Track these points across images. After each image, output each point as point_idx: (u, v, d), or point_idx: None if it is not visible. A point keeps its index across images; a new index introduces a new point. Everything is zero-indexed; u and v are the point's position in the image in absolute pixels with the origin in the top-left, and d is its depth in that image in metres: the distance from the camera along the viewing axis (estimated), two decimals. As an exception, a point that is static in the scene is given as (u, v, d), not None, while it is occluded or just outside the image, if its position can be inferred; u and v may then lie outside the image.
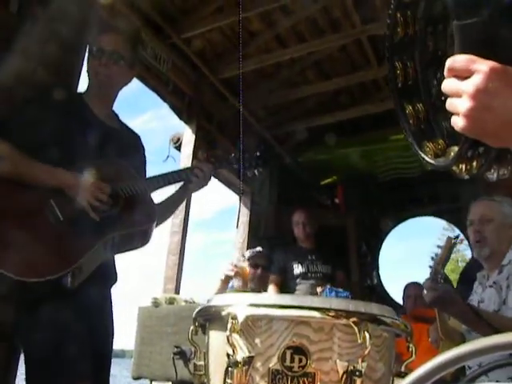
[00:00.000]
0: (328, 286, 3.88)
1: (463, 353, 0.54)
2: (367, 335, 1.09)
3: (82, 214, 1.95)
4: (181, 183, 2.35)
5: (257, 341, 1.12)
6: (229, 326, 1.11)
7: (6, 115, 2.04)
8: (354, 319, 1.11)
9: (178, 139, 4.31)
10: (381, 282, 6.18)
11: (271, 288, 4.31)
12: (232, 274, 3.86)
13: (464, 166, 0.90)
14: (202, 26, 3.99)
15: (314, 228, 4.61)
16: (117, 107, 2.40)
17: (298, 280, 4.48)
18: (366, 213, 6.19)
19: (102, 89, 2.24)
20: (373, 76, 4.83)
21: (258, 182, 5.40)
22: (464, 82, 0.79)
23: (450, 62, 0.81)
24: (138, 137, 2.45)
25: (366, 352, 1.09)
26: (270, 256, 4.46)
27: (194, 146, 4.16)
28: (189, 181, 2.30)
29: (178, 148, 4.30)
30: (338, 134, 5.25)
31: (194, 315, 1.29)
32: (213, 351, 1.24)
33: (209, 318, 1.28)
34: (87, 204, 1.94)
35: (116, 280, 2.21)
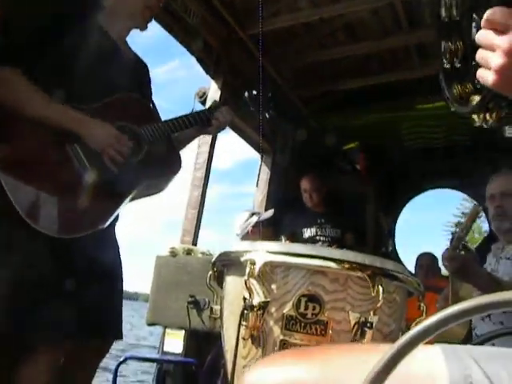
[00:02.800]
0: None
1: (471, 306, 0.56)
2: (380, 289, 1.12)
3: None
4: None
5: (273, 287, 1.16)
6: (247, 270, 1.14)
7: (19, 43, 1.89)
8: (369, 272, 1.14)
9: (204, 93, 4.31)
10: (395, 249, 6.20)
11: None
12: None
13: (483, 115, 0.90)
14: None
15: (323, 194, 4.62)
16: (144, 52, 2.32)
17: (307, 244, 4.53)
18: (387, 180, 6.17)
19: (130, 8, 2.16)
20: (404, 42, 4.74)
21: (281, 142, 5.40)
22: (500, 36, 0.78)
23: (488, 14, 0.79)
24: (147, 67, 2.36)
25: (378, 305, 1.12)
26: (281, 220, 4.50)
27: (219, 101, 4.16)
28: (208, 122, 2.26)
29: (203, 102, 4.30)
30: (364, 99, 5.20)
31: (213, 260, 1.33)
32: (229, 295, 1.28)
33: (227, 264, 1.32)
34: (107, 157, 1.90)
35: (118, 219, 2.11)
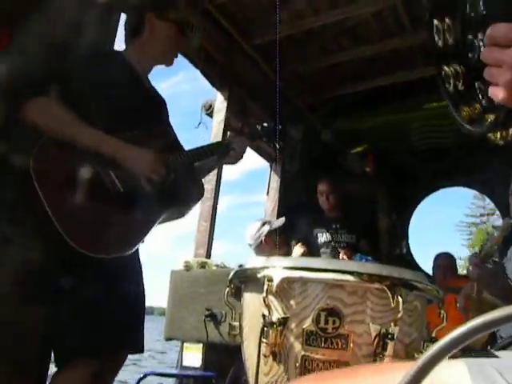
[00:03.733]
0: (358, 255, 3.90)
1: (498, 317, 0.55)
2: (400, 300, 1.11)
3: (142, 187, 1.97)
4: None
5: (292, 302, 1.16)
6: (265, 287, 1.14)
7: (57, 75, 1.99)
8: (387, 283, 1.13)
9: (210, 106, 4.33)
10: (410, 251, 6.18)
11: (296, 255, 4.34)
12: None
13: (500, 134, 0.90)
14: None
15: (339, 197, 4.62)
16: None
17: (322, 249, 4.52)
18: (397, 182, 6.15)
19: (161, 47, 2.26)
20: (408, 42, 4.73)
21: (289, 149, 5.40)
22: (505, 51, 0.77)
23: (490, 31, 0.79)
24: (165, 101, 2.43)
25: (399, 316, 1.11)
26: (294, 226, 4.50)
27: (226, 112, 4.17)
28: (226, 154, 2.34)
29: (210, 114, 4.32)
30: (371, 102, 5.20)
31: (230, 277, 1.33)
32: (248, 312, 1.28)
33: (244, 280, 1.32)
34: (145, 178, 1.96)
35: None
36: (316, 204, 4.81)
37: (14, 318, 1.82)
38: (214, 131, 4.17)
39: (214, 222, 3.97)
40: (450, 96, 1.00)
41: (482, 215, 38.36)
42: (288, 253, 4.29)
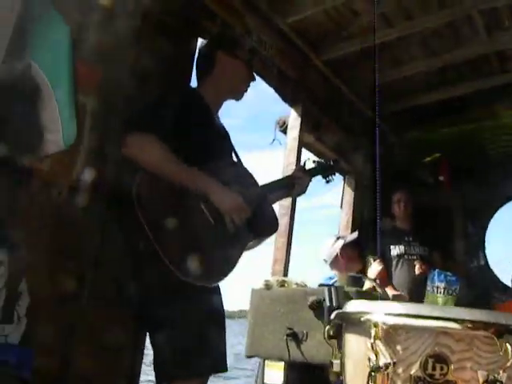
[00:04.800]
0: (436, 270, 3.85)
1: None
2: (509, 347, 1.12)
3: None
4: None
5: (398, 348, 1.19)
6: (372, 333, 1.17)
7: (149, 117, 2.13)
8: (494, 330, 1.14)
9: (284, 123, 4.38)
10: (487, 262, 6.00)
11: (373, 272, 4.31)
12: None
13: None
14: (306, 9, 3.99)
15: (413, 208, 4.60)
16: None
17: (394, 262, 4.49)
18: (472, 191, 5.99)
19: (235, 84, 2.42)
20: (481, 51, 4.63)
21: (361, 161, 5.38)
22: None
23: None
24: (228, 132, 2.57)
25: (508, 364, 1.12)
26: (367, 240, 4.49)
27: (300, 129, 4.22)
28: (291, 188, 2.53)
29: (284, 131, 4.37)
30: (445, 112, 5.12)
31: (332, 316, 1.37)
32: (351, 353, 1.32)
33: (346, 321, 1.35)
34: (229, 218, 2.07)
35: None
36: (389, 216, 4.78)
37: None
38: (288, 147, 4.22)
39: (291, 237, 4.01)
40: None
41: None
42: (364, 267, 4.29)
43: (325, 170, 2.65)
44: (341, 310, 1.34)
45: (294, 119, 4.29)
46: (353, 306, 1.32)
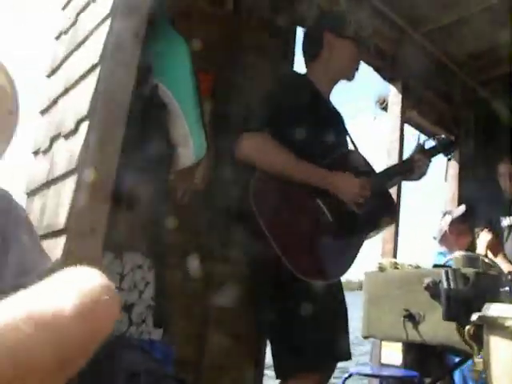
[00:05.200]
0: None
1: None
2: None
3: (347, 213, 2.09)
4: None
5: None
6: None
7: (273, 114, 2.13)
8: None
9: (384, 100, 4.33)
10: None
11: (483, 242, 4.21)
12: None
13: None
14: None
15: None
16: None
17: (505, 233, 4.35)
18: None
19: (342, 66, 2.35)
20: None
21: (463, 130, 5.22)
22: None
23: None
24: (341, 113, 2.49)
25: None
26: (475, 212, 4.38)
27: (402, 105, 4.15)
28: (411, 172, 2.43)
29: (385, 109, 4.33)
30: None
31: (474, 318, 1.39)
32: (496, 356, 1.33)
33: (488, 323, 1.37)
34: (353, 203, 2.08)
35: None
36: (496, 187, 4.62)
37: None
38: (391, 124, 4.17)
39: (399, 215, 3.99)
40: None
41: None
42: (473, 240, 4.21)
43: (446, 147, 2.55)
44: (482, 314, 1.36)
45: (394, 96, 4.23)
46: (495, 310, 1.34)
